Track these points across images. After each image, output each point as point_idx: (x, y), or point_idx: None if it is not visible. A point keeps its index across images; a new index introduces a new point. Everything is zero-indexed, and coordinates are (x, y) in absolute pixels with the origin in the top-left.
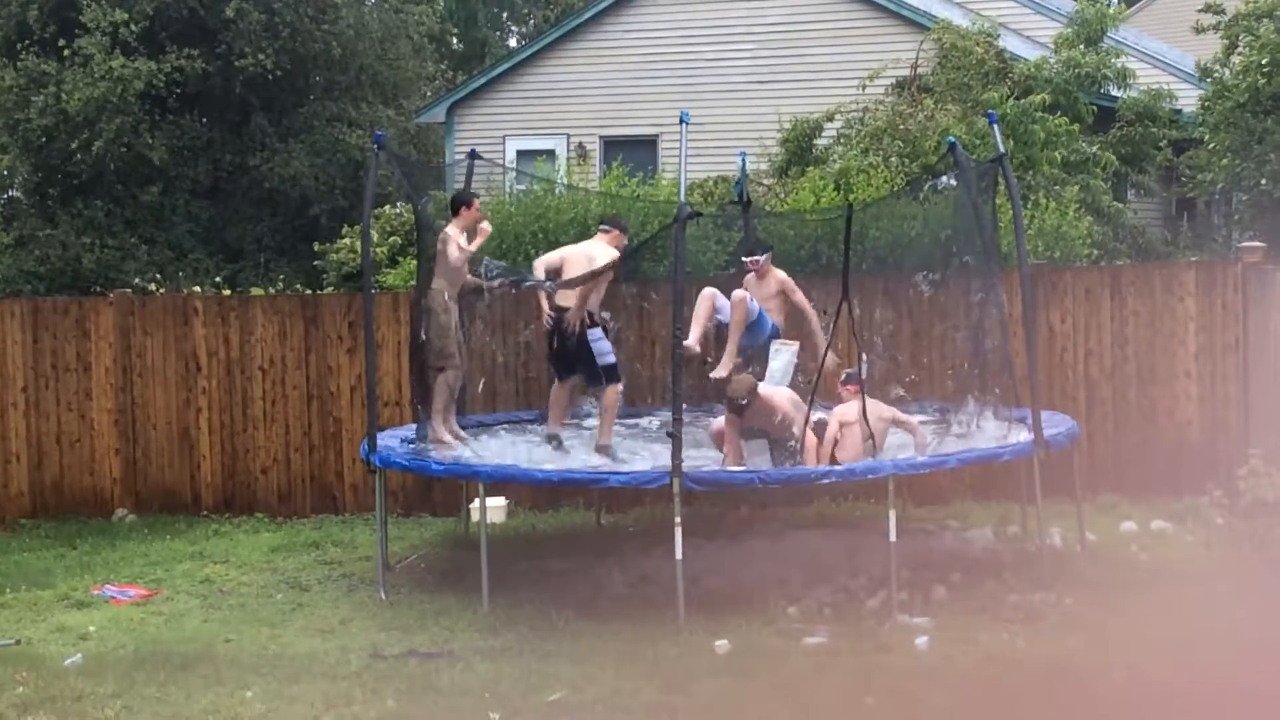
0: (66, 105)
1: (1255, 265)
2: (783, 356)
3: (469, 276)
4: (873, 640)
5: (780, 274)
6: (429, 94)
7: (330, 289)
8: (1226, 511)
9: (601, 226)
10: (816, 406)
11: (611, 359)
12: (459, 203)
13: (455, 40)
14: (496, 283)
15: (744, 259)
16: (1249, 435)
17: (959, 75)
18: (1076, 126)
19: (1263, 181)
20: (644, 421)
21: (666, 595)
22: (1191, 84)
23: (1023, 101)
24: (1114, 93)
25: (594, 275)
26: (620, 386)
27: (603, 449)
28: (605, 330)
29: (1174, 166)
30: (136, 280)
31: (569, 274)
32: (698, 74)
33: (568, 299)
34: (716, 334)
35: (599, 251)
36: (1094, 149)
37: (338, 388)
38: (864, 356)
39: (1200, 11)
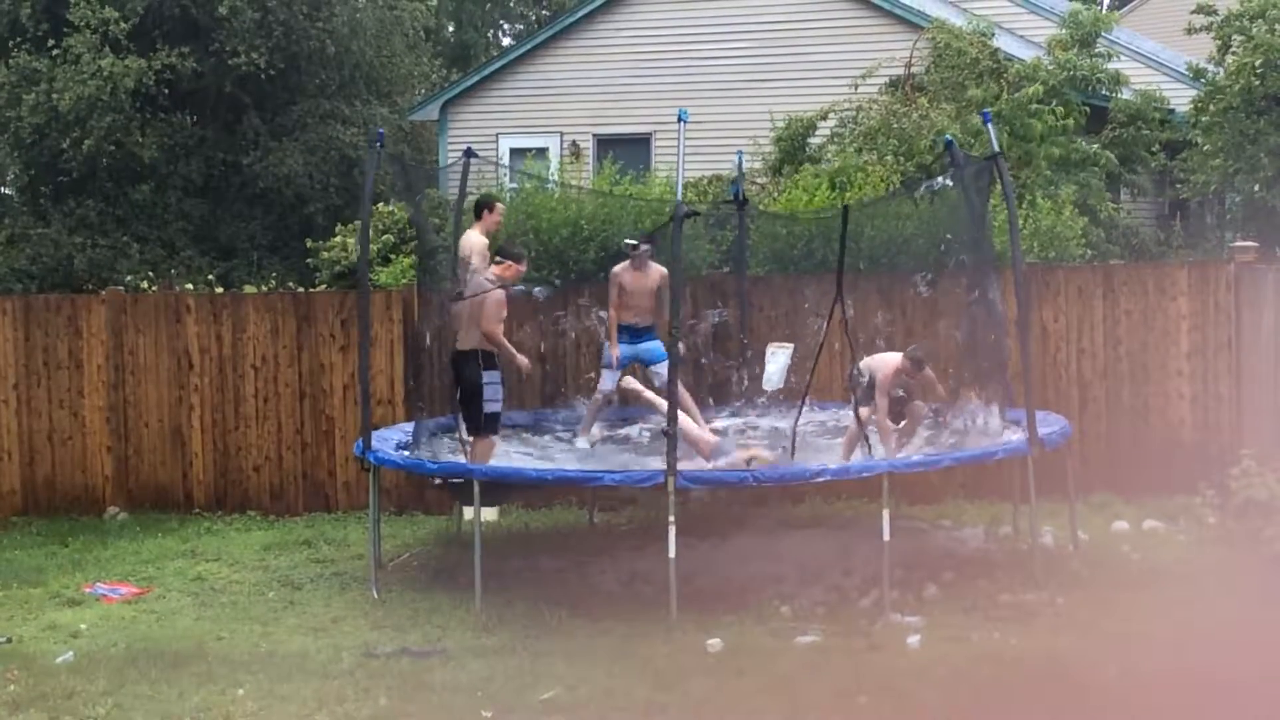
0: (58, 103)
1: (1248, 265)
2: (779, 359)
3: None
4: (865, 639)
5: (659, 268)
6: (423, 91)
7: (323, 287)
8: (1219, 511)
9: (495, 259)
10: (810, 407)
11: (496, 408)
12: (481, 206)
13: (450, 36)
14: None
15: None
16: (1241, 435)
17: (953, 74)
18: (1071, 120)
19: (1256, 188)
20: (634, 432)
21: (659, 594)
22: (1185, 84)
23: (1017, 95)
24: (1107, 94)
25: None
26: (495, 440)
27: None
28: (502, 376)
29: (1167, 168)
30: (129, 278)
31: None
32: (692, 72)
33: (464, 341)
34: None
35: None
36: (1093, 147)
37: (330, 385)
38: (861, 360)
39: (1193, 13)
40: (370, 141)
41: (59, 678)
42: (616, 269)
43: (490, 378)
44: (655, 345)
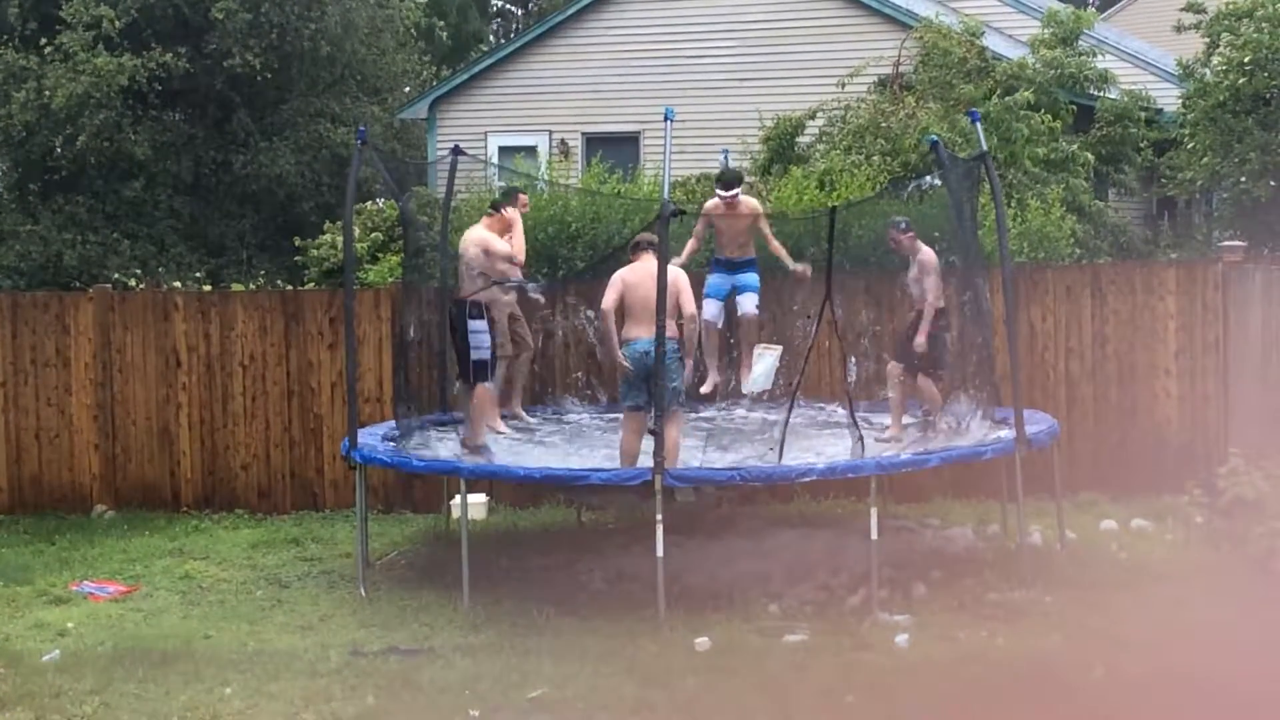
0: (49, 101)
1: (1235, 264)
2: (766, 360)
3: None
4: (853, 638)
5: (751, 201)
6: (411, 90)
7: (311, 285)
8: (1206, 510)
9: (487, 210)
10: (799, 406)
11: (485, 355)
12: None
13: (443, 35)
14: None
15: (720, 193)
16: (1228, 434)
17: (941, 74)
18: (1059, 124)
19: (1243, 180)
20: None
21: (647, 592)
22: (1172, 83)
23: (1006, 99)
24: (1095, 93)
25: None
26: (489, 386)
27: (473, 449)
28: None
29: (1154, 166)
30: (116, 275)
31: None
32: (680, 71)
33: (463, 290)
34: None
35: (487, 236)
36: (1073, 147)
37: (318, 384)
38: (851, 360)
39: (1181, 10)
40: (355, 139)
41: (46, 676)
42: (708, 205)
43: (475, 325)
44: (752, 277)
